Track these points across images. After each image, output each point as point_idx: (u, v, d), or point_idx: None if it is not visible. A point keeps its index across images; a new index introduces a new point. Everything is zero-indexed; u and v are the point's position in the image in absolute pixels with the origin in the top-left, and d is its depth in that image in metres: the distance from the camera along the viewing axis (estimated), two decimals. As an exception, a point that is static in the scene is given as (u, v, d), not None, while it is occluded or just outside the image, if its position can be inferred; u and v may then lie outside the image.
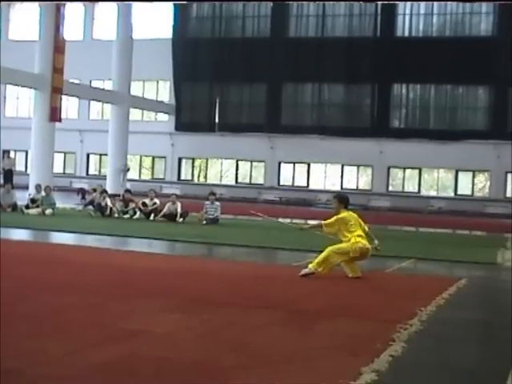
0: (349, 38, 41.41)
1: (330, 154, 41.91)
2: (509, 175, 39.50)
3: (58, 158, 43.50)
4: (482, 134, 39.19)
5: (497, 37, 39.20)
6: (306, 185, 43.59)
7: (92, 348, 5.75)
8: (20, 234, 15.94)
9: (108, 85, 42.10)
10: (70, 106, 46.86)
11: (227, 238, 16.77)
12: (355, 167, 42.96)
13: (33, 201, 23.12)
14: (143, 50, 42.55)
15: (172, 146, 45.81)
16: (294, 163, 43.73)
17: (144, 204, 22.84)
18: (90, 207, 24.02)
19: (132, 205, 22.99)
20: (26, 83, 33.39)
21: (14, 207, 23.01)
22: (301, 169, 43.98)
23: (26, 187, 30.59)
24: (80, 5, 46.02)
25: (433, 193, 42.09)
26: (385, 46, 40.51)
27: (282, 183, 43.95)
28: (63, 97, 34.06)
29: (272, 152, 43.43)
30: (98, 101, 43.46)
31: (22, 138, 36.92)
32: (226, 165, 46.55)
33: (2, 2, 31.90)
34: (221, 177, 46.28)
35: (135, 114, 44.22)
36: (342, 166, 43.05)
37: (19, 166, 43.76)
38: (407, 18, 41.10)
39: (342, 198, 11.39)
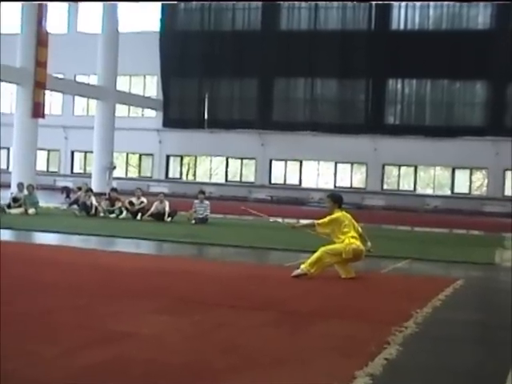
0: (342, 31, 41.50)
1: (322, 151, 41.98)
2: (507, 173, 39.64)
3: (42, 156, 43.43)
4: (480, 130, 39.32)
5: (495, 30, 39.37)
6: (298, 183, 43.65)
7: (80, 350, 5.76)
8: (2, 235, 15.89)
9: (93, 79, 42.05)
10: (53, 101, 46.81)
11: (217, 238, 16.77)
12: (349, 165, 43.03)
13: (15, 200, 23.01)
14: (130, 44, 42.53)
15: (160, 142, 45.77)
16: (286, 161, 43.77)
17: (131, 203, 22.82)
18: (75, 206, 24.00)
19: (118, 204, 22.97)
20: (8, 78, 33.22)
21: (-4, 207, 22.92)
22: (293, 166, 44.03)
23: (8, 186, 30.48)
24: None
25: (429, 191, 42.20)
26: (379, 39, 40.60)
27: (273, 181, 43.98)
28: (47, 92, 33.97)
29: (263, 149, 43.45)
30: (83, 96, 43.40)
31: (3, 135, 36.83)
32: (216, 162, 46.55)
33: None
34: (210, 175, 46.28)
35: (121, 109, 44.16)
36: (336, 164, 43.12)
37: (1, 164, 43.66)
38: (402, 10, 41.20)
39: (336, 198, 11.40)
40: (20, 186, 23.84)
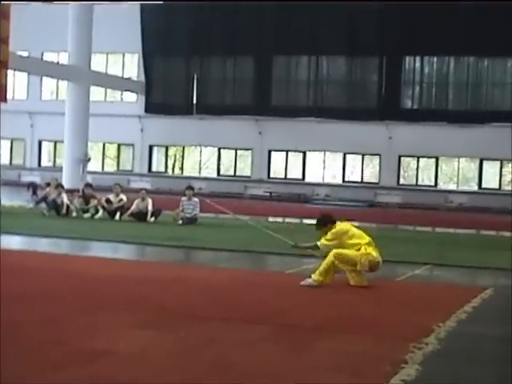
0: (351, 2, 41.38)
1: (329, 140, 41.96)
2: (543, 165, 39.65)
3: (4, 146, 43.37)
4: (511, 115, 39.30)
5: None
6: (301, 177, 43.64)
7: (52, 370, 5.77)
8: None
9: (63, 58, 41.96)
10: (17, 83, 46.71)
11: (207, 241, 16.80)
12: (359, 156, 43.01)
13: (-27, 198, 23.05)
14: (106, 17, 42.45)
15: (141, 131, 45.74)
16: (287, 151, 43.75)
17: (108, 201, 22.81)
18: (43, 205, 23.97)
19: (93, 202, 22.96)
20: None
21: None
22: (295, 158, 44.01)
23: (-34, 181, 30.46)
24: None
25: (452, 186, 42.20)
26: (394, 10, 40.49)
27: (272, 175, 43.97)
28: (9, 72, 33.87)
29: (261, 138, 43.44)
30: (52, 77, 43.31)
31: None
32: (206, 154, 46.52)
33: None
34: (200, 168, 46.26)
35: (97, 93, 44.10)
36: (344, 155, 43.10)
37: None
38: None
39: (324, 220, 11.42)
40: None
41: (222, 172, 45.54)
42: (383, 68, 41.71)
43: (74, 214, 22.81)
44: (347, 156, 43.22)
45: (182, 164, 46.92)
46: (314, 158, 44.16)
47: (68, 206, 22.98)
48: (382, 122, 40.98)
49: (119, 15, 44.46)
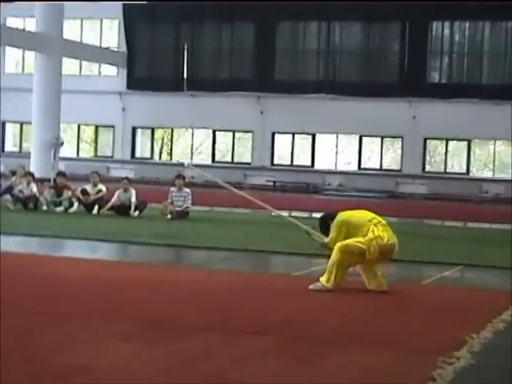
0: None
1: (342, 120, 41.93)
2: None
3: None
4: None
5: None
6: (309, 164, 43.63)
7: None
8: None
9: (30, 24, 41.89)
10: (-23, 54, 46.69)
11: (201, 238, 16.82)
12: (378, 139, 43.01)
13: None
14: (81, -24, 42.40)
15: (123, 110, 45.71)
16: (294, 134, 43.74)
17: (84, 192, 22.80)
18: (8, 197, 23.93)
19: (67, 193, 22.95)
20: None
21: None
22: (303, 141, 44.01)
23: None
24: None
25: (487, 174, 42.19)
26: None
27: (276, 162, 43.96)
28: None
29: (262, 118, 43.43)
30: (17, 47, 43.23)
31: None
32: (199, 137, 46.53)
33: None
34: (192, 153, 46.26)
35: (70, 65, 44.05)
36: (360, 138, 43.09)
37: None
38: None
39: (323, 219, 11.48)
40: None
41: (217, 158, 45.50)
42: (406, 35, 41.63)
43: (45, 207, 22.80)
44: (364, 139, 43.20)
45: (171, 149, 46.90)
46: (324, 141, 44.15)
47: (37, 198, 22.98)
48: (405, 98, 40.94)
49: (96, -26, 44.44)
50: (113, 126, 46.34)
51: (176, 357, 6.99)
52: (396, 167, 42.67)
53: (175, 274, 12.32)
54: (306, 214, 24.53)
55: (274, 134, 43.94)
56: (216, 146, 45.65)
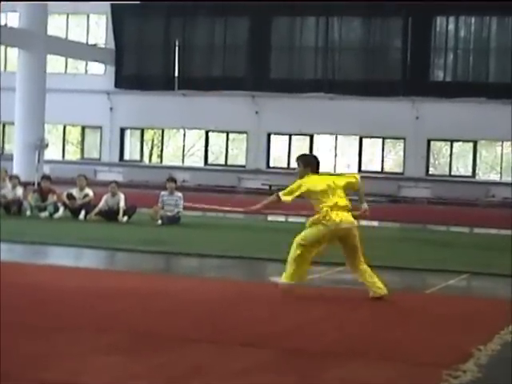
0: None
1: (342, 120, 41.99)
2: None
3: None
4: None
5: None
6: (307, 166, 43.56)
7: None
8: None
9: (13, 19, 41.88)
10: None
11: (193, 245, 16.82)
12: (379, 140, 43.08)
13: None
14: (66, -31, 42.43)
15: (111, 110, 45.74)
16: (290, 135, 43.82)
17: (70, 196, 22.78)
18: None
19: (52, 198, 22.94)
20: None
21: None
22: (300, 143, 44.07)
23: None
24: None
25: (494, 177, 42.26)
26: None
27: (272, 164, 44.04)
28: None
29: (257, 119, 43.46)
30: (-1, 44, 43.29)
31: None
32: (191, 138, 46.58)
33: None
34: (183, 156, 46.30)
35: (55, 63, 44.04)
36: (361, 139, 43.17)
37: None
38: None
39: (308, 160, 11.56)
40: None
41: (210, 160, 45.56)
42: (408, 31, 41.72)
43: (28, 212, 22.77)
44: (364, 140, 43.29)
45: (162, 151, 46.94)
46: (323, 142, 44.23)
47: (21, 203, 22.95)
48: (407, 98, 41.03)
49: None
50: (100, 127, 46.38)
51: (165, 371, 6.93)
52: (398, 170, 42.75)
53: (165, 282, 12.31)
54: (302, 219, 24.50)
55: (269, 135, 44.01)
56: (209, 148, 45.73)
